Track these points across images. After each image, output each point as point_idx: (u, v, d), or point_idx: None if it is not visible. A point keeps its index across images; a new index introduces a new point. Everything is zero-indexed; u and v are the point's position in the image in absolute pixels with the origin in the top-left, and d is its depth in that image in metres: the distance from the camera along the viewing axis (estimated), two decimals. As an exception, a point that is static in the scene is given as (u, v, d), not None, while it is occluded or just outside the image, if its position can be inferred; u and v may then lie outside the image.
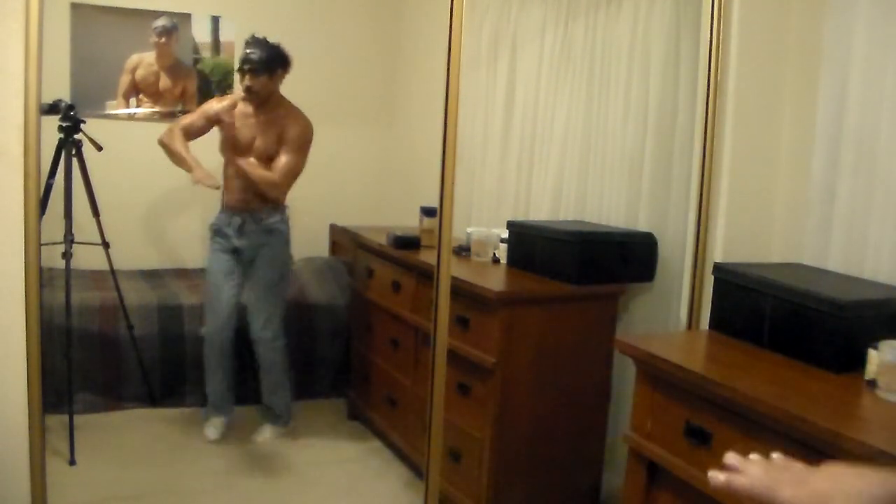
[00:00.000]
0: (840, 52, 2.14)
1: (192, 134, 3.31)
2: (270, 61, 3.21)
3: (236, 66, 3.34)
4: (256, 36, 3.27)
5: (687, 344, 2.10)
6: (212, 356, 3.41)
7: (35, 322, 2.01)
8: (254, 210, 3.33)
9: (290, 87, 4.65)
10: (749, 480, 0.85)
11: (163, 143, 3.25)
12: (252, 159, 3.26)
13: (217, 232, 3.39)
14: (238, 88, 3.42)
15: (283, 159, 3.26)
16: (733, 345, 1.95)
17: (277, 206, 3.37)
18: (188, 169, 3.16)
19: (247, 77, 3.20)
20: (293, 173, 3.29)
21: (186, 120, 3.35)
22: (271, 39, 3.28)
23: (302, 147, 3.29)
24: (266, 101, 3.28)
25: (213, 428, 3.44)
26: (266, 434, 3.48)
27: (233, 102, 3.37)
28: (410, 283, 3.10)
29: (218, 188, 3.22)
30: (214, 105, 3.39)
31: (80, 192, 3.27)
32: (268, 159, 3.27)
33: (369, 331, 3.52)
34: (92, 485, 2.91)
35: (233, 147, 3.29)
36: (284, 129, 3.27)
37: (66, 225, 3.17)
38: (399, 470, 3.24)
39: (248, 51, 3.21)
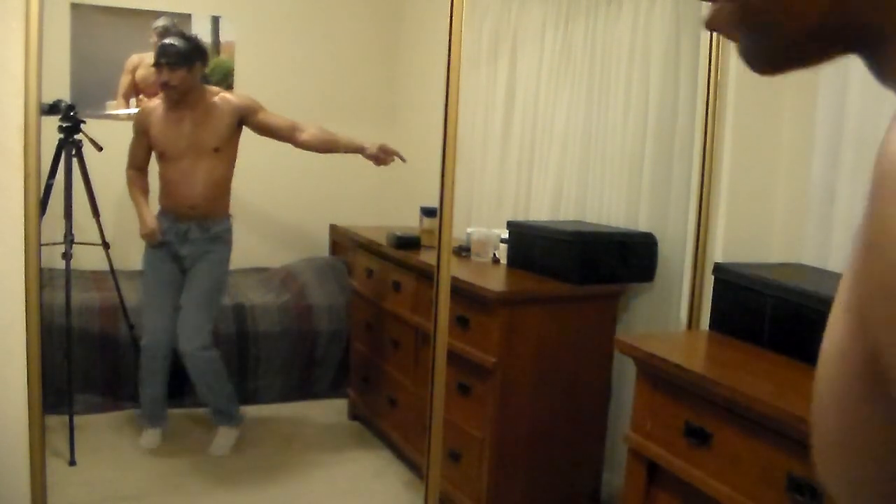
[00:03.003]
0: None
1: (144, 164, 3.27)
2: (189, 53, 3.04)
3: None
4: (168, 27, 3.11)
5: (687, 344, 2.10)
6: (151, 367, 3.24)
7: (35, 322, 2.01)
8: (201, 218, 3.19)
9: (291, 88, 4.67)
10: None
11: (130, 185, 3.28)
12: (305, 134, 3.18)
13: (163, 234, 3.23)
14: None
15: (278, 120, 3.20)
16: (733, 345, 1.95)
17: (224, 214, 3.26)
18: (140, 220, 3.22)
19: (164, 71, 3.02)
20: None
21: (132, 156, 3.26)
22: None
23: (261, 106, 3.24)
24: (187, 96, 3.10)
25: (150, 439, 3.29)
26: (221, 442, 3.32)
27: (155, 106, 3.20)
28: (410, 283, 3.10)
29: (157, 245, 3.21)
30: (141, 119, 3.23)
31: (80, 192, 3.26)
32: (211, 151, 3.14)
33: (369, 331, 3.52)
34: (92, 485, 2.91)
35: (166, 151, 3.16)
36: (235, 107, 3.17)
37: (66, 225, 3.16)
38: (399, 470, 3.24)
39: (165, 42, 3.03)
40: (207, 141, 3.14)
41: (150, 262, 3.27)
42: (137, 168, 3.27)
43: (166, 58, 3.01)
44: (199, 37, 3.20)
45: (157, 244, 3.22)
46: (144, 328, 3.27)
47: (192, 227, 3.19)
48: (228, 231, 3.28)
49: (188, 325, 3.18)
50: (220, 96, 3.21)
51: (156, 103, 3.22)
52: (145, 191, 3.28)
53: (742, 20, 0.43)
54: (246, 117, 3.19)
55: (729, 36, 0.45)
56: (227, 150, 3.20)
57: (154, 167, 3.28)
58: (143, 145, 3.23)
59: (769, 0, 0.41)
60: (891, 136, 0.36)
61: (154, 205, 3.30)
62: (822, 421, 0.40)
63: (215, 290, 3.27)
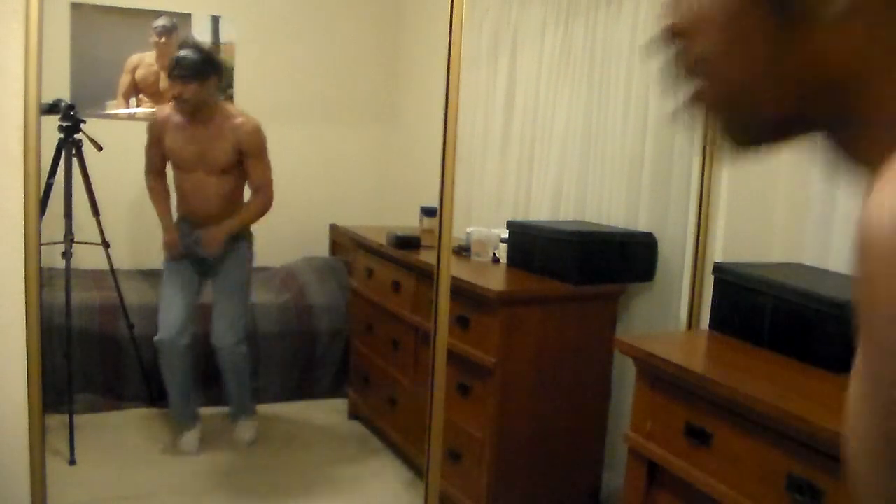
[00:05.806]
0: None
1: (161, 168, 3.24)
2: (203, 66, 3.00)
3: (167, 69, 3.10)
4: (188, 40, 3.05)
5: (687, 344, 2.10)
6: (168, 363, 3.23)
7: (35, 322, 2.01)
8: (218, 219, 3.20)
9: (291, 88, 4.68)
10: None
11: (150, 193, 3.29)
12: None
13: (180, 240, 3.26)
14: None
15: (258, 171, 3.18)
16: (733, 345, 1.95)
17: (238, 211, 3.25)
18: (163, 229, 3.25)
19: (177, 83, 2.99)
20: (271, 181, 3.23)
21: (150, 162, 3.24)
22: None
23: (265, 152, 3.20)
24: (200, 110, 3.07)
25: (189, 441, 3.30)
26: (248, 432, 3.42)
27: (168, 114, 3.16)
28: (410, 283, 3.10)
29: (178, 257, 3.24)
30: (154, 126, 3.18)
31: (80, 192, 3.27)
32: (220, 171, 3.14)
33: (369, 331, 3.52)
34: (92, 485, 2.91)
35: (179, 164, 3.15)
36: (239, 138, 3.11)
37: (66, 225, 3.17)
38: (399, 470, 3.24)
39: (179, 54, 3.00)
40: (216, 160, 3.13)
41: (170, 262, 3.28)
42: (155, 172, 3.26)
43: (179, 70, 2.98)
44: (213, 49, 3.18)
45: (178, 254, 3.25)
46: (159, 324, 3.25)
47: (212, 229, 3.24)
48: (247, 227, 3.32)
49: (222, 322, 3.26)
50: (234, 120, 3.13)
51: (169, 110, 3.16)
52: (166, 196, 3.28)
53: (717, 103, 0.50)
54: (244, 153, 3.15)
55: (708, 116, 0.51)
56: (235, 171, 3.20)
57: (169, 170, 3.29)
58: (158, 152, 3.20)
59: (742, 90, 0.48)
60: (871, 204, 0.37)
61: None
62: (858, 488, 0.41)
63: (243, 285, 3.33)
